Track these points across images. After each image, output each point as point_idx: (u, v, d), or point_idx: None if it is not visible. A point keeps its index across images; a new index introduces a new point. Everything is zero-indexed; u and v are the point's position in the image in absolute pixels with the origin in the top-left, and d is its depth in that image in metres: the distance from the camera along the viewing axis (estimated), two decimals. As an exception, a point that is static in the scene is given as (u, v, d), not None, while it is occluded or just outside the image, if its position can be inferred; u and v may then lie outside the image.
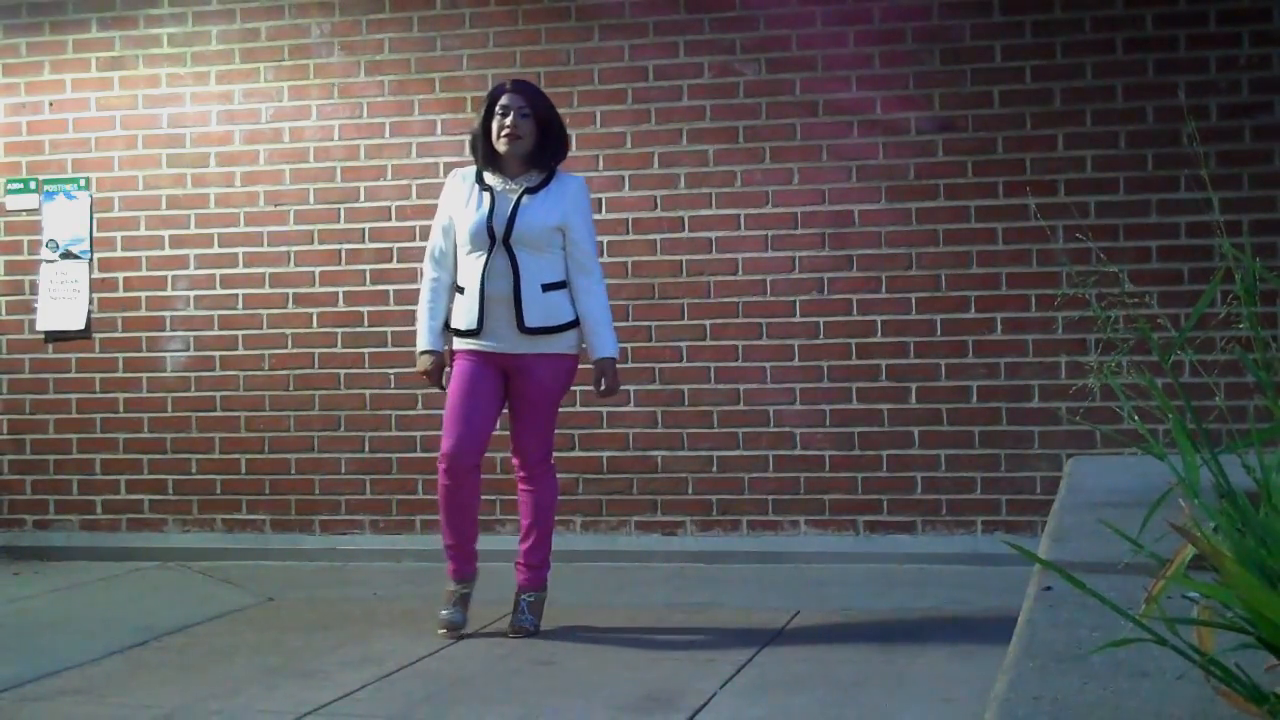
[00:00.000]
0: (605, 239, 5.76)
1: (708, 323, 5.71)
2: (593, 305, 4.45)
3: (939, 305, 5.52)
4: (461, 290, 4.43)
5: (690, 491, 5.72)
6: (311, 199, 6.04)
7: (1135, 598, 1.35)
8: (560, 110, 5.74)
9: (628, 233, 5.77)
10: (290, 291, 6.05)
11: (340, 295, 5.98)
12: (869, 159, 5.58)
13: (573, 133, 5.75)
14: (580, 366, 4.57)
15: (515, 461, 4.53)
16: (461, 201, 4.44)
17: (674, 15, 5.73)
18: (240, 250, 6.11)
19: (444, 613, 4.45)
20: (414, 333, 4.61)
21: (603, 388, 4.50)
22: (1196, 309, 1.47)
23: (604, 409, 5.75)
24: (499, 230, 4.34)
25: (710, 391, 5.70)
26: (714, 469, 5.70)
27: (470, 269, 4.39)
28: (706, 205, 5.71)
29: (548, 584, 4.56)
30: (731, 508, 5.67)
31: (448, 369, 4.53)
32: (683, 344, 5.73)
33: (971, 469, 5.49)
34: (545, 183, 4.42)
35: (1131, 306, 1.60)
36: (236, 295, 6.10)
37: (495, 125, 4.38)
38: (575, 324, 4.44)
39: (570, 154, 5.71)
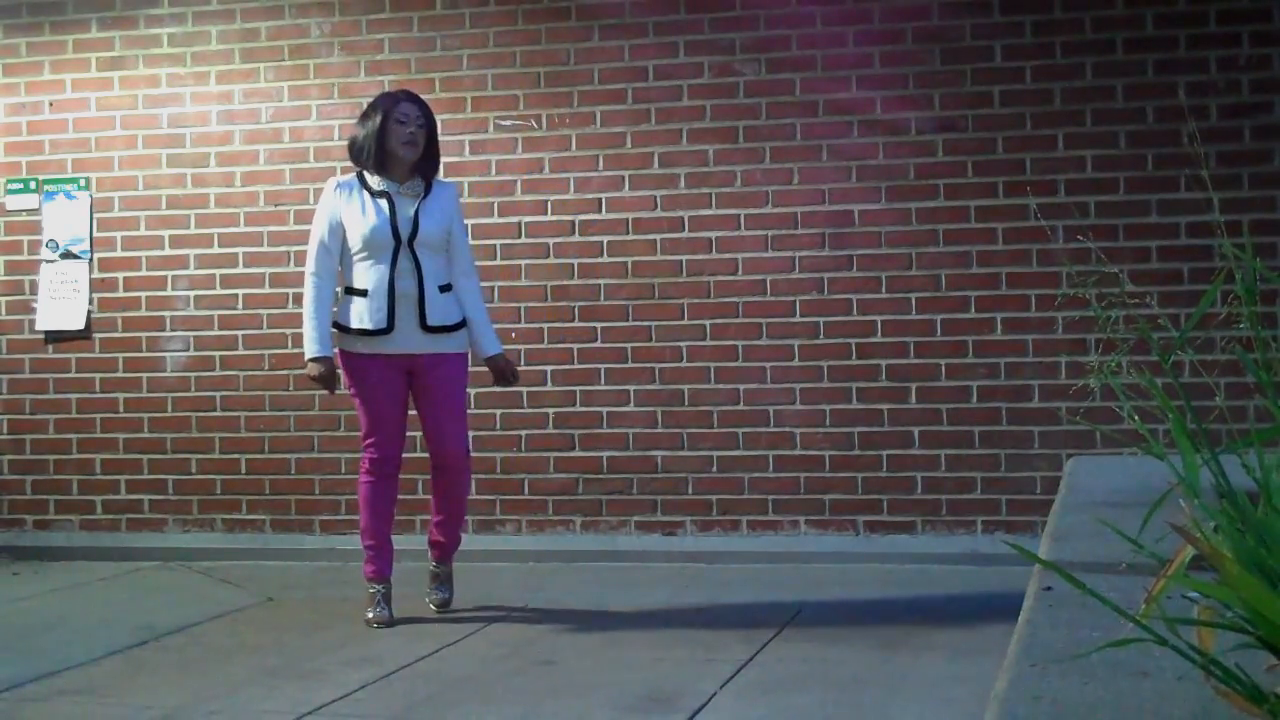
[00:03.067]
0: (605, 239, 5.77)
1: (708, 323, 5.71)
2: (479, 306, 4.74)
3: (939, 305, 5.52)
4: (362, 293, 4.56)
5: (690, 491, 5.72)
6: (311, 199, 6.03)
7: (1135, 598, 1.35)
8: (560, 110, 5.82)
9: (628, 233, 5.77)
10: (290, 291, 6.05)
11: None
12: (869, 159, 5.58)
13: (572, 133, 5.81)
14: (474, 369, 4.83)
15: (432, 455, 4.70)
16: (354, 208, 4.57)
17: (674, 15, 5.73)
18: (240, 250, 6.11)
19: (380, 610, 4.63)
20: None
21: (507, 379, 4.81)
22: (1197, 309, 1.47)
23: (604, 409, 5.76)
24: (404, 233, 4.54)
25: (710, 391, 5.70)
26: (714, 469, 5.69)
27: (371, 272, 4.54)
28: (706, 205, 5.71)
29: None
30: (731, 508, 5.67)
31: (343, 389, 4.69)
32: (683, 344, 5.72)
33: (971, 469, 5.49)
34: (429, 190, 4.66)
35: (1131, 306, 1.60)
36: (236, 295, 6.11)
37: (395, 132, 4.55)
38: (464, 324, 4.67)
39: (568, 154, 5.79)
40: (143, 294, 6.19)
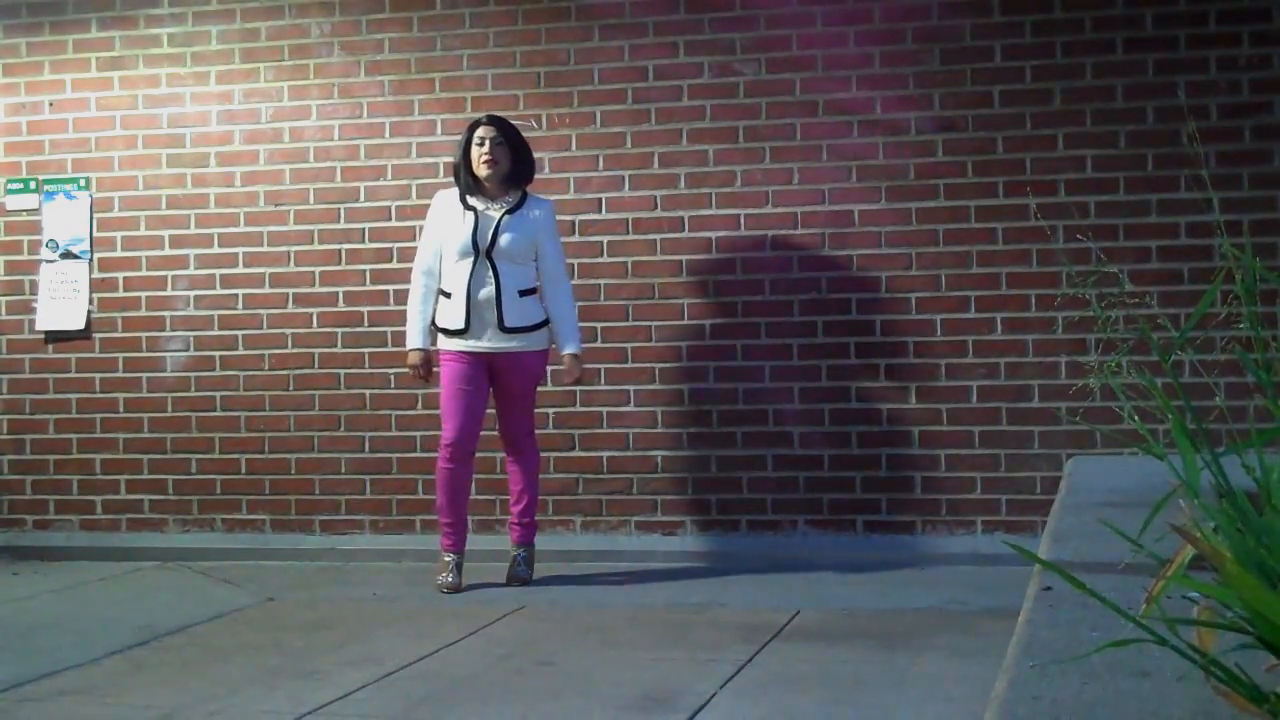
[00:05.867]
0: (605, 239, 5.77)
1: (708, 323, 5.71)
2: (564, 305, 5.22)
3: (939, 305, 5.52)
4: (449, 295, 5.14)
5: (690, 491, 5.72)
6: (311, 199, 6.04)
7: (1135, 598, 1.35)
8: (560, 110, 5.82)
9: (628, 233, 5.77)
10: (290, 291, 6.05)
11: (340, 295, 5.98)
12: (869, 159, 5.58)
13: (572, 133, 5.81)
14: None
15: (504, 443, 5.31)
16: (449, 219, 5.16)
17: (674, 15, 5.73)
18: (240, 250, 6.11)
19: (447, 577, 5.17)
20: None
21: (572, 379, 5.25)
22: (1197, 309, 1.47)
23: (604, 409, 5.76)
24: (483, 245, 5.07)
25: (710, 391, 5.70)
26: (714, 469, 5.69)
27: (457, 277, 5.11)
28: (706, 205, 5.71)
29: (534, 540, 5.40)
30: (731, 508, 5.67)
31: (436, 368, 5.22)
32: (683, 344, 5.73)
33: (971, 469, 5.49)
34: (519, 204, 5.17)
35: (1131, 306, 1.60)
36: (236, 295, 6.10)
37: (475, 154, 5.12)
38: (545, 324, 5.20)
39: (568, 154, 5.79)
40: (143, 294, 6.19)
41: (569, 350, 5.19)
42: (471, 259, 5.07)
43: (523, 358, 5.16)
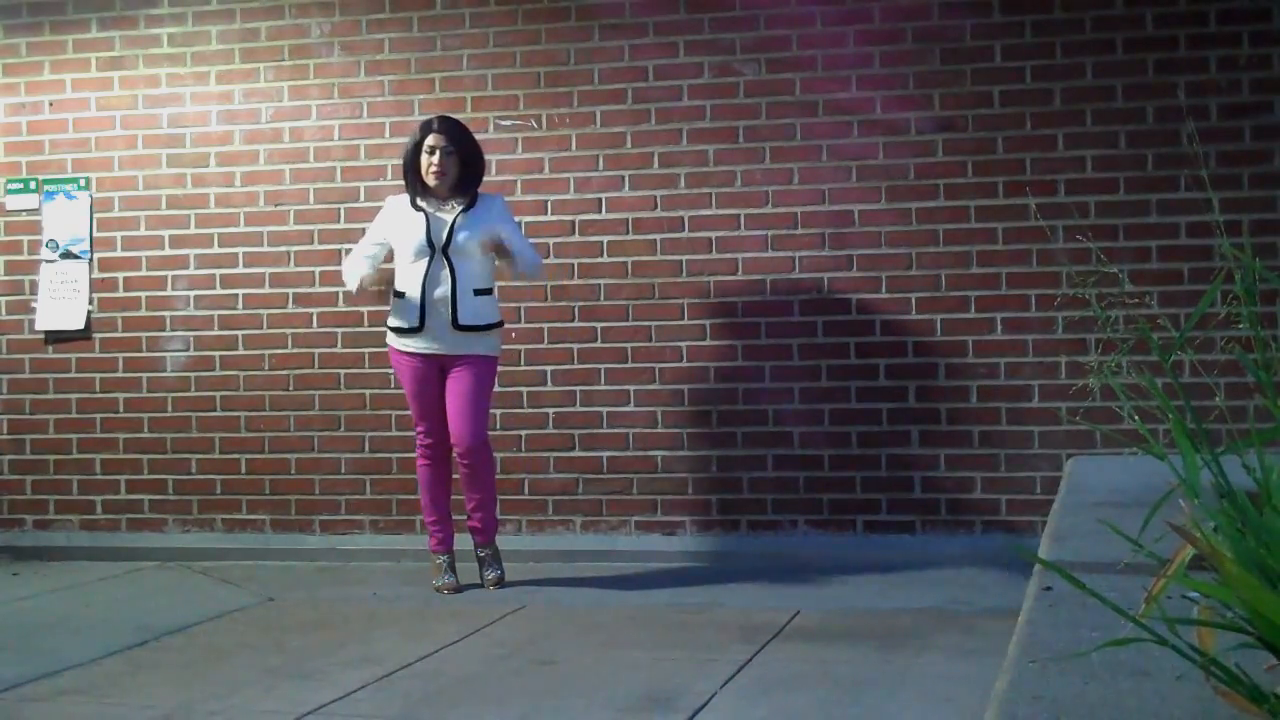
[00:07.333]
0: (605, 239, 5.77)
1: (708, 323, 5.71)
2: (528, 253, 5.17)
3: (939, 305, 5.52)
4: (401, 295, 5.13)
5: (690, 491, 5.71)
6: (311, 199, 6.04)
7: (1135, 598, 1.35)
8: (560, 110, 5.82)
9: (628, 233, 5.77)
10: (290, 291, 6.05)
11: (340, 295, 5.97)
12: (869, 159, 5.58)
13: (572, 133, 5.82)
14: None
15: (456, 451, 5.15)
16: (399, 221, 5.14)
17: (674, 15, 5.73)
18: (240, 250, 6.10)
19: (444, 579, 5.19)
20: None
21: (491, 240, 5.08)
22: (1197, 309, 1.47)
23: (604, 409, 5.76)
24: (438, 243, 5.05)
25: (710, 391, 5.70)
26: (714, 469, 5.69)
27: (412, 277, 5.09)
28: (706, 205, 5.71)
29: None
30: (731, 508, 5.67)
31: (379, 288, 5.26)
32: (683, 344, 5.72)
33: (971, 469, 5.49)
34: (473, 203, 5.14)
35: (1131, 306, 1.60)
36: (236, 295, 6.10)
37: (423, 162, 5.09)
38: (499, 325, 5.19)
39: (568, 154, 5.79)
40: (143, 294, 6.19)
41: (514, 254, 5.07)
42: (427, 258, 5.04)
43: (472, 362, 5.09)
